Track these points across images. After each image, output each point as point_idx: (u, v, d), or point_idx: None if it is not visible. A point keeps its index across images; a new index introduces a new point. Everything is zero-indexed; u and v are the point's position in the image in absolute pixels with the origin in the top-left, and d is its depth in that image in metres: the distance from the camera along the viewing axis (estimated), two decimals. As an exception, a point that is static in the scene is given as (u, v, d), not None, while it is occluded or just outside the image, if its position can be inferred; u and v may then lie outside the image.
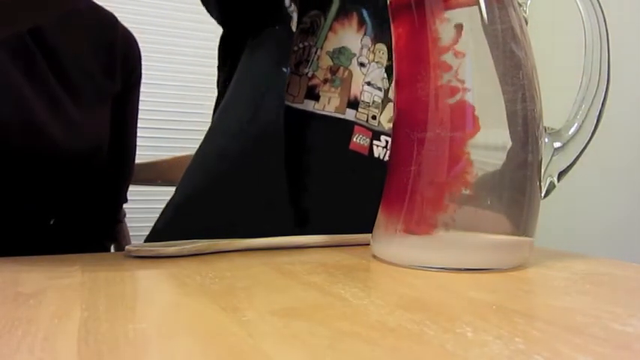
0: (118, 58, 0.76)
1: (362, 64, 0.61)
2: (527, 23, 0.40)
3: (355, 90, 0.60)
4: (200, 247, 0.46)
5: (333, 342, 0.22)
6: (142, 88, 1.30)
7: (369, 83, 0.61)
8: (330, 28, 0.59)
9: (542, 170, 0.40)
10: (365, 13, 0.62)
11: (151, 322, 0.25)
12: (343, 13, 0.60)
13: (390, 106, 0.62)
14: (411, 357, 0.20)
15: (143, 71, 1.29)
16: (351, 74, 0.60)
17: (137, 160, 1.07)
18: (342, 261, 0.43)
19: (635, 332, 0.23)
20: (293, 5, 0.58)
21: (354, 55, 0.60)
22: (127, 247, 0.46)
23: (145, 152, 1.23)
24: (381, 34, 0.62)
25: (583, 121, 0.40)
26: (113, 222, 0.86)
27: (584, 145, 0.40)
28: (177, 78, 1.34)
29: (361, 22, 0.61)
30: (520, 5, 0.40)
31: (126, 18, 1.29)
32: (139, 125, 1.29)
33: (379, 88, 0.62)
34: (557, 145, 0.41)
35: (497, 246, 0.38)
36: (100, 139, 0.72)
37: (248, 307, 0.27)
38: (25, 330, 0.23)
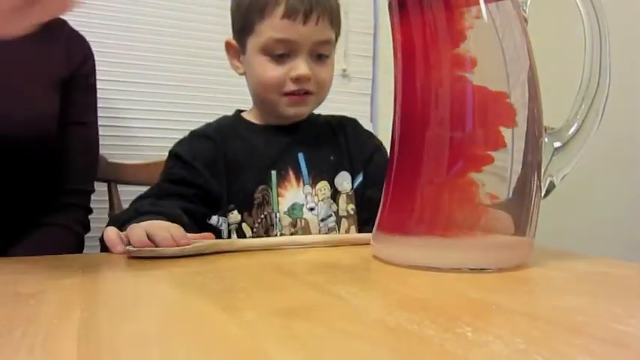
0: (62, 47, 0.81)
1: (312, 209, 0.75)
2: (527, 23, 0.40)
3: (315, 231, 0.74)
4: (200, 248, 0.46)
5: (333, 342, 0.22)
6: (142, 88, 1.30)
7: (322, 220, 0.75)
8: (278, 195, 0.74)
9: (542, 170, 0.40)
10: (300, 159, 0.76)
11: (151, 322, 0.25)
12: (281, 178, 0.75)
13: (344, 220, 0.77)
14: (411, 357, 0.20)
15: (143, 71, 1.29)
16: (307, 221, 0.75)
17: (137, 161, 1.07)
18: (342, 261, 0.43)
19: (634, 332, 0.23)
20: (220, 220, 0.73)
21: (303, 205, 0.75)
22: (127, 247, 0.45)
23: (144, 152, 1.23)
24: (317, 174, 0.77)
25: (583, 121, 0.40)
26: (83, 210, 0.86)
27: (584, 144, 0.40)
28: (177, 78, 1.34)
29: (298, 177, 0.76)
30: (520, 5, 0.40)
31: (126, 19, 1.29)
32: (140, 125, 1.29)
33: (330, 216, 0.76)
34: (557, 144, 0.41)
35: (497, 246, 0.38)
36: (50, 119, 0.76)
37: (248, 307, 0.27)
38: (25, 330, 0.23)
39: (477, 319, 0.25)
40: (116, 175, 1.01)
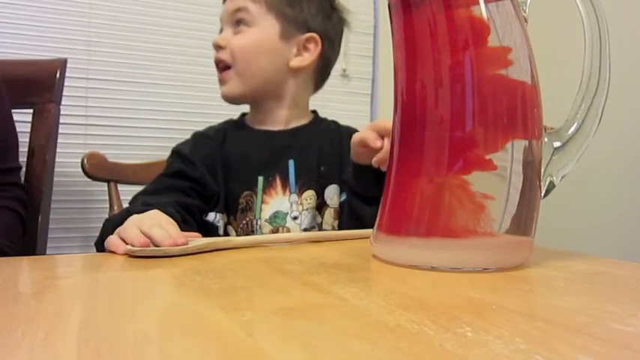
0: None
1: (295, 218, 0.74)
2: (527, 23, 0.40)
3: None
4: (200, 246, 0.46)
5: (332, 342, 0.22)
6: (142, 88, 1.30)
7: (305, 230, 0.74)
8: (262, 201, 0.73)
9: (542, 170, 0.40)
10: (290, 166, 0.75)
11: (151, 322, 0.25)
12: (268, 184, 0.74)
13: (330, 234, 0.76)
14: (411, 357, 0.20)
15: (143, 71, 1.29)
16: (289, 230, 0.74)
17: (137, 161, 1.07)
18: (342, 261, 0.43)
19: (635, 332, 0.23)
20: (219, 216, 0.73)
21: (287, 213, 0.74)
22: (128, 247, 0.45)
23: (145, 152, 1.23)
24: (305, 183, 0.75)
25: (583, 121, 0.40)
26: (16, 187, 0.81)
27: (583, 144, 0.40)
28: (178, 78, 1.34)
29: (284, 185, 0.75)
30: (520, 5, 0.40)
31: (127, 18, 1.29)
32: (140, 125, 1.29)
33: (314, 227, 0.75)
34: (556, 144, 0.41)
35: (497, 246, 0.38)
36: None
37: (248, 307, 0.27)
38: (25, 330, 0.23)
39: (477, 319, 0.25)
40: (116, 175, 1.01)
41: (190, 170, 0.73)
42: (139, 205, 0.65)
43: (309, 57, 0.77)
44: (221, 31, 0.78)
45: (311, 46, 0.78)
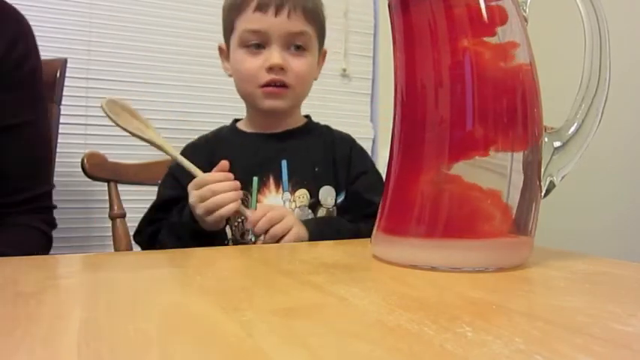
0: None
1: None
2: (527, 23, 0.40)
3: None
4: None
5: (332, 342, 0.22)
6: (143, 88, 1.30)
7: None
8: (257, 201, 0.73)
9: (542, 170, 0.40)
10: (282, 166, 0.76)
11: (151, 322, 0.25)
12: (262, 184, 0.75)
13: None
14: (410, 357, 0.20)
15: (145, 71, 1.29)
16: None
17: (137, 161, 1.07)
18: (342, 261, 0.43)
19: (635, 332, 0.23)
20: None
21: None
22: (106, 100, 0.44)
23: (145, 152, 1.23)
24: (298, 182, 0.76)
25: (583, 121, 0.40)
26: (45, 210, 0.77)
27: (584, 144, 0.40)
28: (178, 78, 1.34)
29: (277, 183, 0.76)
30: (520, 5, 0.40)
31: (127, 18, 1.30)
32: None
33: None
34: (557, 144, 0.41)
35: (497, 246, 0.38)
36: None
37: (248, 307, 0.27)
38: (25, 330, 0.23)
39: (477, 319, 0.25)
40: (116, 175, 1.01)
41: (179, 193, 0.73)
42: (165, 228, 0.71)
43: (321, 68, 0.84)
44: (249, 43, 0.76)
45: (320, 57, 0.84)
